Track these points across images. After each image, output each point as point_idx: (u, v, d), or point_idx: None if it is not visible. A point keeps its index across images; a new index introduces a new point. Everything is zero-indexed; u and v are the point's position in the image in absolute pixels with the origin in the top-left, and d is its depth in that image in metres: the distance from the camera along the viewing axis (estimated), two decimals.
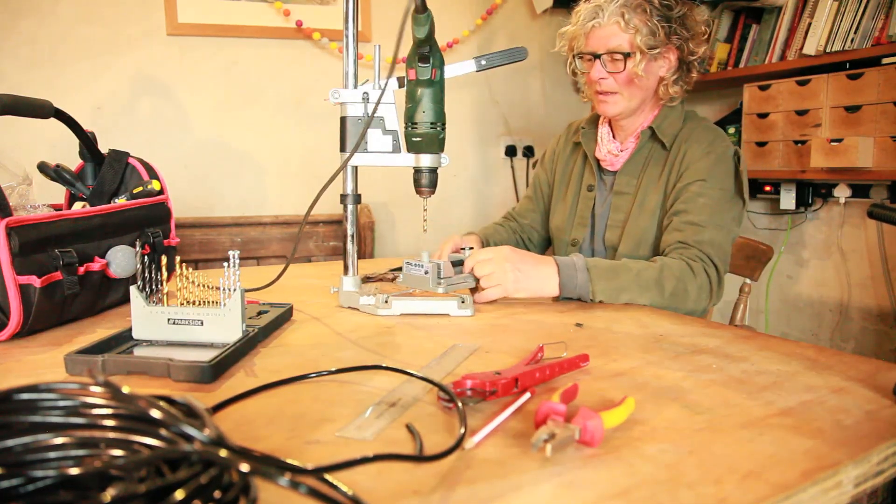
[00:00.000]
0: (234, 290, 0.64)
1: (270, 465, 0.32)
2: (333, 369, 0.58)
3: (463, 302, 0.85)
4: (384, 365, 0.59)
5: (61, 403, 0.33)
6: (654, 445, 0.43)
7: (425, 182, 0.83)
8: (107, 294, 0.83)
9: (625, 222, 1.11)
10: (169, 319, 0.64)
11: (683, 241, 0.99)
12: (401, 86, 0.83)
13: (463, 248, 0.94)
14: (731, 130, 2.02)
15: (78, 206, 0.90)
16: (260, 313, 0.77)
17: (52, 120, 0.84)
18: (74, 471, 0.29)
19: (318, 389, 0.54)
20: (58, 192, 0.94)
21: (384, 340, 0.71)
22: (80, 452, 0.32)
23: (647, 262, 0.96)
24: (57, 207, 0.91)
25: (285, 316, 0.79)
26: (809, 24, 1.78)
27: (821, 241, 2.01)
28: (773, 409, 0.50)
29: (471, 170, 2.59)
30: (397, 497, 0.36)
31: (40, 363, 0.62)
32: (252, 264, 2.04)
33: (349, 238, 0.88)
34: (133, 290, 0.64)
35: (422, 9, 0.71)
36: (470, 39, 2.48)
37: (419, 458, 0.40)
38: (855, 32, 1.67)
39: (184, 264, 0.65)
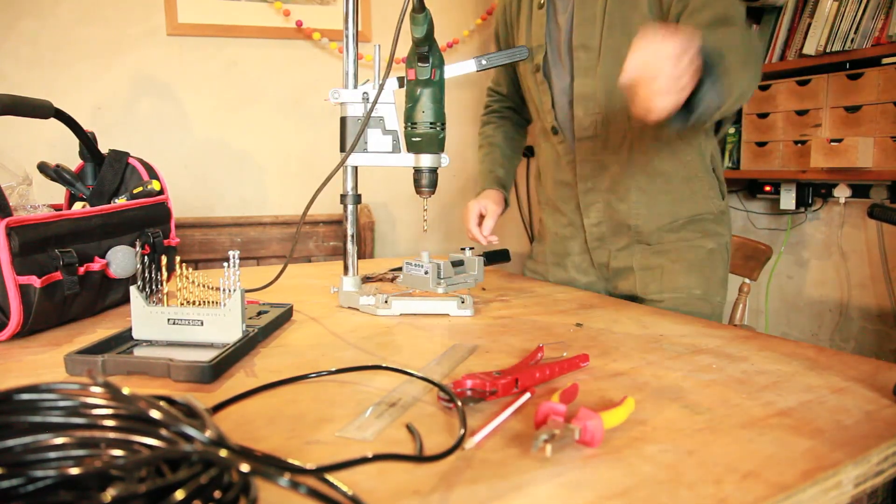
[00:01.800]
0: (234, 290, 0.64)
1: (270, 465, 0.32)
2: (333, 369, 0.58)
3: (463, 302, 0.85)
4: (384, 365, 0.59)
5: (61, 404, 0.33)
6: (654, 445, 0.43)
7: (425, 182, 0.83)
8: (107, 294, 0.83)
9: (601, 16, 0.98)
10: (169, 319, 0.64)
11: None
12: (401, 86, 0.83)
13: (463, 249, 0.94)
14: (732, 130, 2.03)
15: (78, 206, 0.90)
16: (260, 313, 0.77)
17: (52, 120, 0.84)
18: (74, 471, 0.29)
19: (318, 389, 0.54)
20: (58, 192, 0.94)
21: (384, 340, 0.71)
22: (81, 452, 0.32)
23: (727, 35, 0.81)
24: (57, 207, 0.91)
25: (285, 316, 0.79)
26: (809, 24, 1.78)
27: (821, 241, 2.01)
28: (773, 409, 0.50)
29: (471, 170, 2.59)
30: (397, 497, 0.36)
31: (40, 363, 0.62)
32: (252, 264, 2.04)
33: (349, 238, 0.88)
34: (133, 290, 0.64)
35: (420, 8, 0.71)
36: (470, 39, 2.48)
37: (419, 458, 0.40)
38: (855, 32, 1.67)
39: (184, 264, 0.65)
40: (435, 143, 0.81)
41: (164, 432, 0.32)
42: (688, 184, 1.03)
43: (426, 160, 0.82)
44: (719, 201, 1.06)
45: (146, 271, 0.65)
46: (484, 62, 0.84)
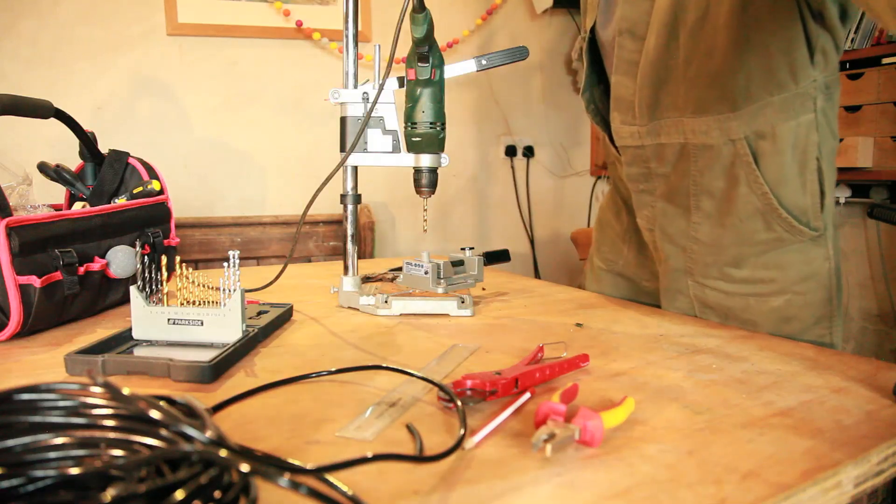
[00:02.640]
0: (234, 290, 0.64)
1: (270, 465, 0.32)
2: (333, 369, 0.58)
3: (463, 302, 0.85)
4: (384, 365, 0.59)
5: (61, 404, 0.33)
6: (654, 445, 0.43)
7: (425, 182, 0.83)
8: (107, 294, 0.83)
9: None
10: (169, 319, 0.64)
11: None
12: (401, 86, 0.83)
13: (463, 249, 0.94)
14: None
15: (78, 206, 0.90)
16: (260, 313, 0.77)
17: (52, 120, 0.84)
18: (74, 471, 0.29)
19: (318, 389, 0.54)
20: (58, 192, 0.94)
21: (384, 340, 0.71)
22: (81, 452, 0.32)
23: None
24: (57, 207, 0.91)
25: (285, 316, 0.79)
26: None
27: None
28: (773, 409, 0.50)
29: (471, 170, 2.59)
30: (397, 497, 0.36)
31: (40, 363, 0.62)
32: (252, 264, 2.04)
33: (349, 238, 0.88)
34: (133, 290, 0.64)
35: (419, 8, 0.71)
36: (470, 39, 2.48)
37: (419, 458, 0.40)
38: (855, 32, 1.67)
39: (184, 264, 0.65)
40: (435, 143, 0.81)
41: (164, 432, 0.32)
42: (764, 219, 0.78)
43: (426, 160, 0.82)
44: (814, 222, 0.77)
45: (146, 271, 0.65)
46: (484, 62, 0.84)
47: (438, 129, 0.80)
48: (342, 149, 0.85)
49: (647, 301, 0.96)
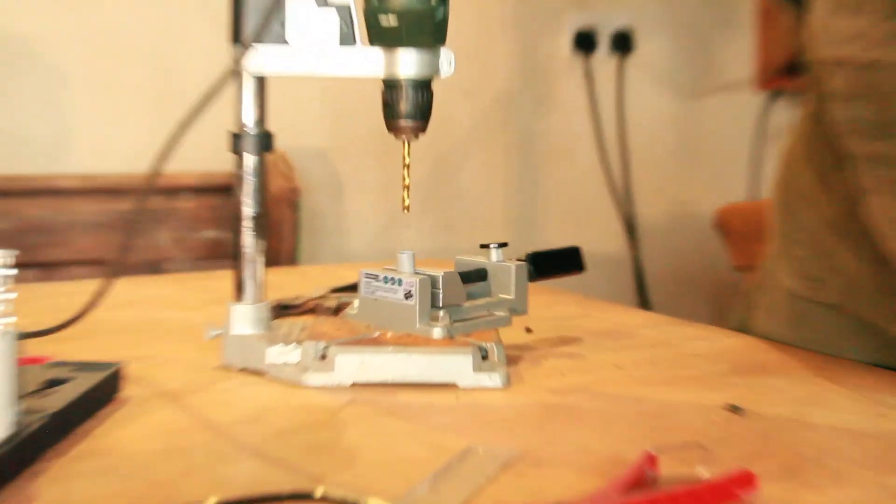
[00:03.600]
0: None
1: None
2: None
3: (485, 358, 0.85)
4: (318, 495, 0.58)
5: None
6: None
7: (407, 107, 0.84)
8: None
9: None
10: None
11: None
12: None
13: (486, 246, 0.94)
14: None
15: None
16: (52, 384, 0.76)
17: None
18: None
19: None
20: None
21: (319, 441, 0.71)
22: None
23: None
24: None
25: (106, 389, 0.79)
26: None
27: None
28: None
29: (502, 83, 2.59)
30: None
31: None
32: (36, 276, 2.03)
33: (246, 223, 0.88)
34: None
35: None
36: None
37: None
38: None
39: None
40: (426, 28, 0.82)
41: None
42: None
43: (408, 62, 0.83)
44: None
45: None
46: None
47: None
48: (235, 39, 0.85)
49: None
